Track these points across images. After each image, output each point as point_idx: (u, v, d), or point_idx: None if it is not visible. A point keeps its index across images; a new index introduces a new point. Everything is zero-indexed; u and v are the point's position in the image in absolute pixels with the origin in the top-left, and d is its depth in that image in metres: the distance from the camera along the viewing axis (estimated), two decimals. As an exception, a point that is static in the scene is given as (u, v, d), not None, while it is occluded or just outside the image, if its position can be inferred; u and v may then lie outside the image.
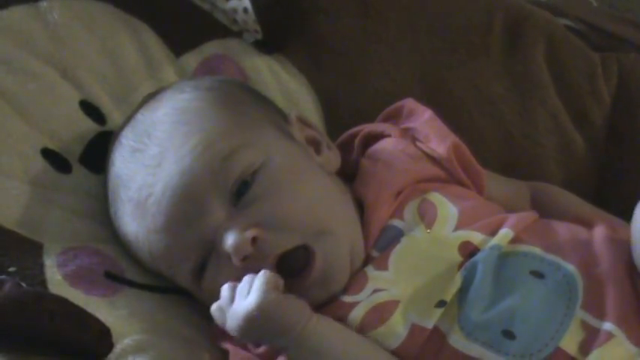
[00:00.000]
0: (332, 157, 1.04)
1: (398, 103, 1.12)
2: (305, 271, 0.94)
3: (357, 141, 1.10)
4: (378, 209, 1.00)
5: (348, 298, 0.95)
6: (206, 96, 1.02)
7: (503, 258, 0.95)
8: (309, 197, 0.96)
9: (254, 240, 0.92)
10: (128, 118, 1.05)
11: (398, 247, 0.97)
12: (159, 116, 1.00)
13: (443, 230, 0.98)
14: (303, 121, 1.06)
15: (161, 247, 0.97)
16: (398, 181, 1.02)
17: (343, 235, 0.96)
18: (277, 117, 1.05)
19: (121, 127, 1.05)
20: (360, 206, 1.02)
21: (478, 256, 0.95)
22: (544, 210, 1.11)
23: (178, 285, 1.00)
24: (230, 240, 0.93)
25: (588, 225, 1.03)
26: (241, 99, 1.04)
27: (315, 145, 1.04)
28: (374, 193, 1.01)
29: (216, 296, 0.95)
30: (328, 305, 0.96)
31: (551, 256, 0.96)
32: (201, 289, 0.98)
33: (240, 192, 0.95)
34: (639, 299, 0.93)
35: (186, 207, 0.95)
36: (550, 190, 1.15)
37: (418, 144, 1.06)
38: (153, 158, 0.97)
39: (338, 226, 0.96)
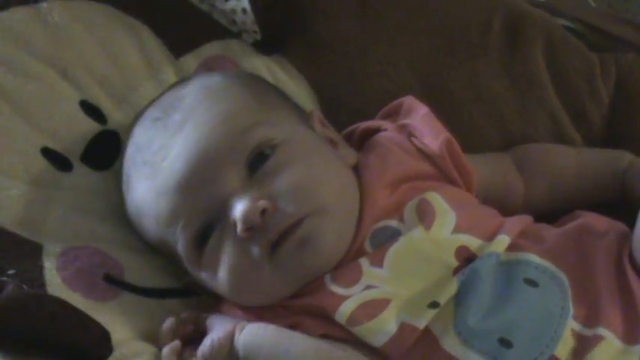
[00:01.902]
0: (348, 154, 1.05)
1: (397, 100, 1.12)
2: (285, 236, 0.94)
3: (354, 138, 1.10)
4: (373, 199, 1.00)
5: (339, 290, 0.95)
6: (233, 80, 1.05)
7: (500, 265, 0.96)
8: (324, 175, 0.97)
9: (263, 212, 0.93)
10: (153, 100, 1.07)
11: (395, 245, 0.97)
12: (185, 92, 1.02)
13: (441, 232, 0.98)
14: (322, 122, 1.08)
15: (169, 208, 0.97)
16: (390, 171, 1.02)
17: (338, 219, 0.97)
18: (299, 110, 1.07)
19: (147, 105, 1.06)
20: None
21: (477, 264, 0.95)
22: (533, 174, 1.12)
23: (177, 259, 1.01)
24: (240, 207, 0.93)
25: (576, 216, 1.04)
26: (266, 88, 1.07)
27: (332, 143, 1.05)
28: (368, 182, 1.02)
29: (215, 270, 0.96)
30: (318, 293, 0.96)
31: (544, 263, 0.96)
32: (201, 262, 0.98)
33: (257, 164, 0.96)
34: (627, 294, 0.94)
35: (200, 171, 0.96)
36: (533, 152, 1.15)
37: (413, 139, 1.07)
38: (174, 124, 0.99)
39: (339, 210, 0.97)
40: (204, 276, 0.99)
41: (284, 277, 0.96)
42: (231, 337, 0.94)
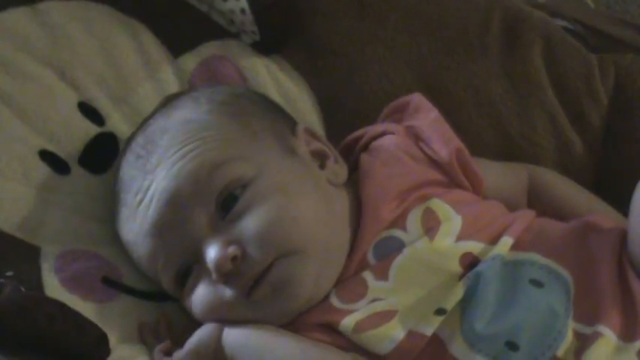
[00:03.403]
0: (338, 171, 1.03)
1: (405, 98, 1.11)
2: (259, 281, 0.94)
3: (359, 146, 1.09)
4: (376, 213, 0.99)
5: (345, 306, 0.95)
6: (217, 109, 1.02)
7: (505, 267, 0.95)
8: (294, 217, 0.95)
9: (234, 258, 0.92)
10: (144, 120, 1.06)
11: (400, 258, 0.96)
12: (168, 125, 1.01)
13: (445, 241, 0.97)
14: (311, 134, 1.06)
15: (147, 252, 0.98)
16: (397, 185, 1.01)
17: (315, 259, 0.95)
18: (284, 130, 1.04)
19: (136, 129, 1.06)
20: (360, 203, 1.01)
21: (481, 267, 0.95)
22: (539, 197, 1.12)
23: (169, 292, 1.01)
24: (211, 255, 0.93)
25: (583, 215, 1.04)
26: (250, 112, 1.04)
27: (321, 158, 1.03)
28: (372, 195, 1.00)
29: (193, 306, 0.97)
30: (323, 308, 0.96)
31: (548, 262, 0.96)
32: (183, 297, 0.98)
33: (228, 205, 0.95)
34: (626, 293, 0.94)
35: (170, 216, 0.96)
36: (545, 176, 1.15)
37: (421, 144, 1.05)
38: (151, 166, 0.98)
39: (315, 249, 0.95)
40: (187, 307, 0.99)
41: (264, 317, 0.95)
42: (218, 335, 0.94)
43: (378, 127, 1.09)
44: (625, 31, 1.21)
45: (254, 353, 0.93)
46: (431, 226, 0.98)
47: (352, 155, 1.08)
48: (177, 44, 1.17)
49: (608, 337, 0.91)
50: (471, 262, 0.96)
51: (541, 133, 1.18)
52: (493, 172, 1.10)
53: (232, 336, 0.94)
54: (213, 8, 1.17)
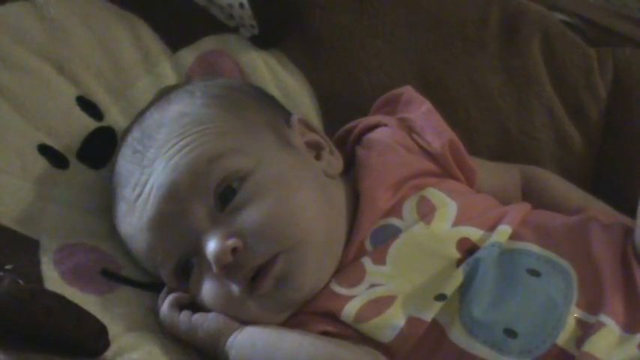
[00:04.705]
0: (333, 162, 1.04)
1: (396, 90, 1.12)
2: (262, 274, 0.94)
3: (352, 136, 1.09)
4: (373, 202, 1.00)
5: (344, 291, 0.96)
6: (212, 102, 1.02)
7: (502, 255, 0.96)
8: (294, 209, 0.95)
9: (234, 250, 0.92)
10: (140, 113, 1.06)
11: (397, 242, 0.97)
12: (164, 119, 1.01)
13: (442, 225, 0.98)
14: (306, 125, 1.06)
15: (146, 246, 0.98)
16: (393, 174, 1.02)
17: (316, 249, 0.95)
18: (279, 122, 1.04)
19: (132, 122, 1.06)
20: (357, 196, 1.02)
21: (480, 253, 0.95)
22: (534, 196, 1.12)
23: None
24: (211, 247, 0.93)
25: (580, 211, 1.04)
26: (245, 104, 1.04)
27: (316, 149, 1.04)
28: (369, 184, 1.01)
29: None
30: (323, 295, 0.96)
31: (546, 253, 0.97)
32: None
33: (226, 197, 0.95)
34: (630, 285, 0.94)
35: (169, 207, 0.96)
36: (541, 176, 1.15)
37: (414, 136, 1.06)
38: (148, 160, 0.98)
39: (315, 240, 0.95)
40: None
41: (269, 310, 0.96)
42: (230, 329, 0.95)
43: (371, 119, 1.10)
44: (624, 24, 1.21)
45: (261, 351, 0.93)
46: (426, 212, 0.99)
47: (346, 146, 1.09)
48: (175, 39, 1.17)
49: (610, 327, 0.91)
50: (469, 249, 0.96)
51: (539, 127, 1.18)
52: (486, 171, 1.11)
53: (243, 335, 0.94)
54: (212, 2, 1.18)
